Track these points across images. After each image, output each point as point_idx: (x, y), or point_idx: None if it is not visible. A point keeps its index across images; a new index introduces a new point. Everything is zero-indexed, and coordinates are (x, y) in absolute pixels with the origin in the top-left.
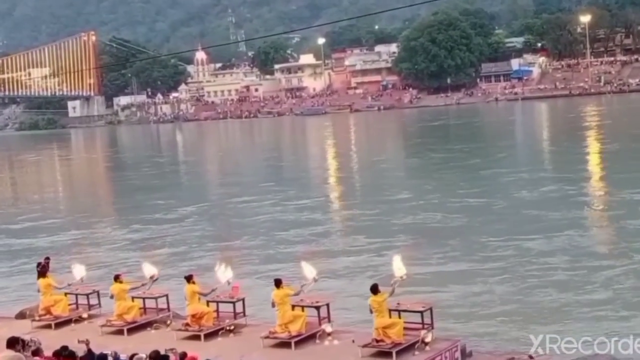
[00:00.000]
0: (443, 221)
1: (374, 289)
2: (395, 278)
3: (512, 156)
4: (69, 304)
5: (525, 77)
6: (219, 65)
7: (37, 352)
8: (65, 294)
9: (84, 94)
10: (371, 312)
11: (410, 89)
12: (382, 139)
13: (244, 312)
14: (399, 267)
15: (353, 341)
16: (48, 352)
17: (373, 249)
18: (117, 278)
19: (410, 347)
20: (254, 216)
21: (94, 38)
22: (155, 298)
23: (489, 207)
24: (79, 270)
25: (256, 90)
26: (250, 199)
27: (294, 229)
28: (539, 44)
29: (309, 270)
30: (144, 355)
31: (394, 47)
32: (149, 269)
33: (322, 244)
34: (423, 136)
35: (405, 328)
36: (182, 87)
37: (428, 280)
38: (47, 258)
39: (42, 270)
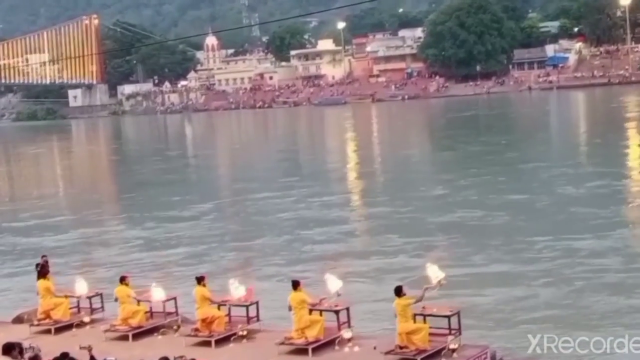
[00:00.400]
0: (483, 219)
1: (398, 291)
2: (430, 285)
3: (553, 149)
4: (70, 308)
5: (560, 65)
6: (230, 51)
7: (35, 358)
8: (66, 296)
9: (86, 82)
10: (395, 316)
11: (437, 77)
12: (410, 131)
13: (257, 316)
14: (435, 272)
15: (375, 348)
16: (47, 359)
17: (409, 249)
18: (123, 280)
19: (436, 354)
20: (276, 214)
21: (96, 22)
22: (163, 301)
23: (532, 204)
24: (81, 286)
25: (271, 78)
26: (270, 195)
27: (320, 228)
28: (576, 29)
29: (333, 283)
30: None
31: (419, 32)
32: (158, 293)
33: (350, 244)
34: (454, 128)
35: (430, 334)
36: (191, 74)
37: (467, 283)
38: (44, 256)
39: (42, 271)
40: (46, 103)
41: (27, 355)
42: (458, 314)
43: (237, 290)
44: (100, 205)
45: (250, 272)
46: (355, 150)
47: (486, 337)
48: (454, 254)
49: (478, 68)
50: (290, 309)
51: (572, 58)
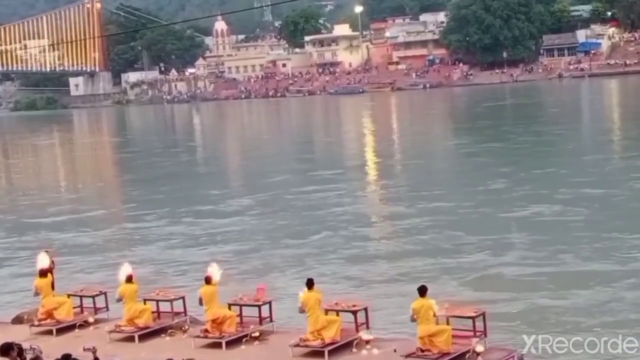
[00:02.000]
0: (562, 214)
1: (422, 291)
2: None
3: (610, 140)
4: (73, 307)
5: (592, 51)
6: (241, 37)
7: None
8: (69, 295)
9: (88, 69)
10: (412, 320)
11: (461, 65)
12: (445, 120)
13: (270, 316)
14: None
15: (395, 350)
16: None
17: (483, 246)
18: (129, 279)
19: (459, 358)
20: (327, 208)
21: (98, 5)
22: (171, 300)
23: (609, 199)
24: (43, 261)
25: (284, 65)
26: (316, 189)
27: (377, 224)
28: (609, 13)
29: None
30: None
31: (442, 17)
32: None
33: (414, 242)
34: (494, 117)
35: (454, 336)
36: (200, 62)
37: (542, 284)
38: (46, 252)
39: (44, 269)
40: (46, 92)
41: (27, 356)
42: (483, 315)
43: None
44: (132, 199)
45: (301, 271)
46: (391, 141)
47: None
48: (536, 253)
49: (504, 55)
50: (300, 310)
51: (605, 44)
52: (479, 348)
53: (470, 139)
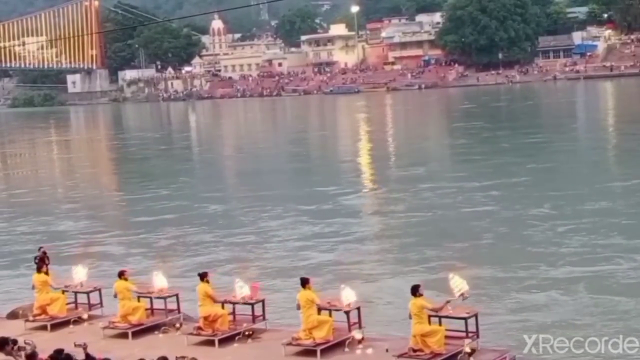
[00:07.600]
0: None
1: (414, 290)
2: (453, 297)
3: None
4: (67, 303)
5: (588, 53)
6: (237, 36)
7: (32, 356)
8: (63, 291)
9: (85, 66)
10: (410, 317)
11: (456, 65)
12: (484, 120)
13: (263, 315)
14: (458, 283)
15: (387, 350)
16: (42, 356)
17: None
18: (121, 275)
19: (451, 358)
20: (458, 208)
21: (96, 3)
22: (164, 298)
23: None
24: (79, 273)
25: (280, 64)
26: (435, 186)
27: (518, 227)
28: (605, 15)
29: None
30: None
31: (437, 17)
32: (159, 281)
33: (548, 245)
34: (531, 117)
35: (446, 336)
36: (196, 60)
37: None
38: (41, 248)
39: (39, 265)
40: (43, 89)
41: (23, 352)
42: (475, 316)
43: (241, 289)
44: (243, 197)
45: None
46: (447, 141)
47: None
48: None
49: (500, 56)
50: (298, 307)
51: (601, 46)
52: (471, 349)
53: (546, 137)
